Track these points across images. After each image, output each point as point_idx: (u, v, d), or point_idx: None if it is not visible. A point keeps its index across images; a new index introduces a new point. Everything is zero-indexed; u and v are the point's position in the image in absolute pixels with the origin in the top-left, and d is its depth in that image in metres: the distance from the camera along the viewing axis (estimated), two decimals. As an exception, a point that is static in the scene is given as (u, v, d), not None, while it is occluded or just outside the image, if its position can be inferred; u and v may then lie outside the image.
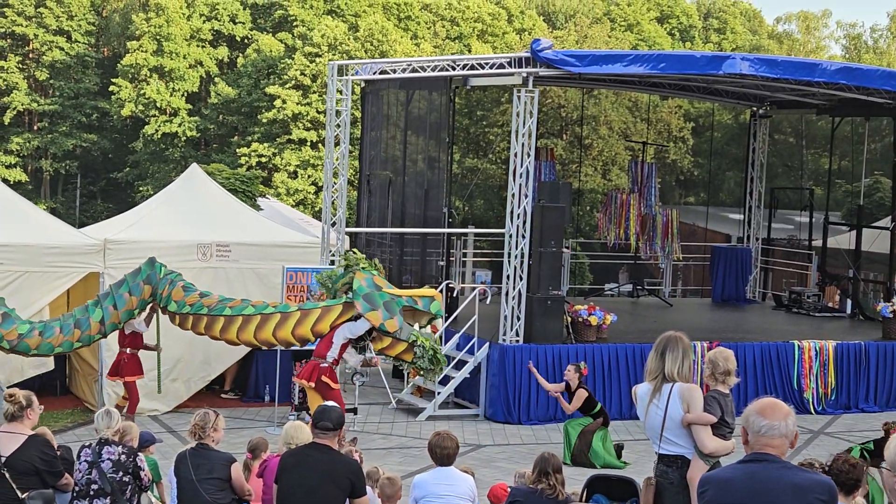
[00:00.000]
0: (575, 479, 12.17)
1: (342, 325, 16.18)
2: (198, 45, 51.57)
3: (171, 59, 49.83)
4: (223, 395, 20.15)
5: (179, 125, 49.39)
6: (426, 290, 17.25)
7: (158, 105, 49.36)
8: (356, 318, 16.12)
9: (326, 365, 15.99)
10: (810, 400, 20.66)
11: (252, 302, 16.70)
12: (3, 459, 10.15)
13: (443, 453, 9.56)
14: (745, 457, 5.78)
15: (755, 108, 28.05)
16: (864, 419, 19.37)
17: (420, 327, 16.84)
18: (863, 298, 25.79)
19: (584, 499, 9.80)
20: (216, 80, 51.39)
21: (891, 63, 60.56)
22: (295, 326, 16.18)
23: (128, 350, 16.96)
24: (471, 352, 19.20)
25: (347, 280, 16.44)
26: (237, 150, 47.18)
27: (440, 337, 19.49)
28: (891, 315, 22.51)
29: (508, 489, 10.15)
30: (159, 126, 49.12)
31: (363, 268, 16.50)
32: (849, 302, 25.99)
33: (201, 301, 16.47)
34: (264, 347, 17.41)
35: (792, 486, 5.55)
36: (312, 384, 15.93)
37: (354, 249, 17.53)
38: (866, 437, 18.08)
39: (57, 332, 15.97)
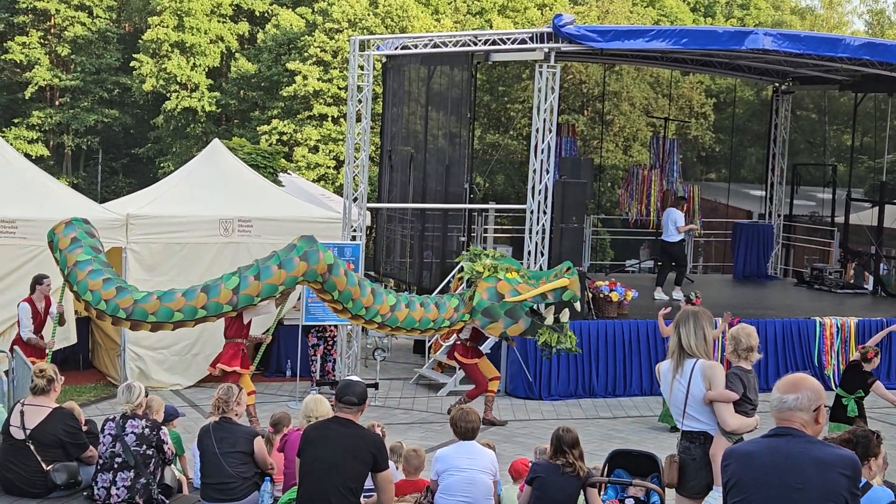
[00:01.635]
0: (595, 455, 12.21)
1: None
2: (218, 21, 51.55)
3: (192, 34, 49.82)
4: (245, 370, 20.22)
5: (199, 100, 49.42)
6: (558, 282, 16.34)
7: (179, 80, 49.40)
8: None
9: (459, 343, 17.12)
10: (831, 377, 20.60)
11: (417, 315, 15.94)
12: (29, 432, 10.25)
13: (466, 427, 9.63)
14: (769, 431, 5.81)
15: (777, 84, 27.92)
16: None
17: (559, 319, 16.43)
18: (885, 275, 25.71)
19: (605, 473, 9.84)
20: (236, 55, 51.40)
21: (915, 38, 60.11)
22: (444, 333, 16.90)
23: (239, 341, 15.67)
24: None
25: (472, 292, 16.27)
26: (258, 128, 47.18)
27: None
28: (913, 292, 22.45)
29: (529, 464, 10.19)
30: (180, 101, 49.17)
31: (487, 276, 16.22)
32: (871, 278, 25.91)
33: (377, 308, 15.57)
34: None
35: (815, 460, 5.57)
36: (453, 362, 17.69)
37: (483, 251, 16.76)
38: (887, 414, 18.12)
39: (178, 297, 14.36)
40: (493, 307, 16.01)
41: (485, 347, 18.78)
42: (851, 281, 25.99)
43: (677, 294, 21.90)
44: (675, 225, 22.58)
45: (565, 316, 16.43)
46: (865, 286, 25.72)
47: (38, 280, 15.63)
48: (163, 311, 14.29)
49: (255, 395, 15.70)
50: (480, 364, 17.16)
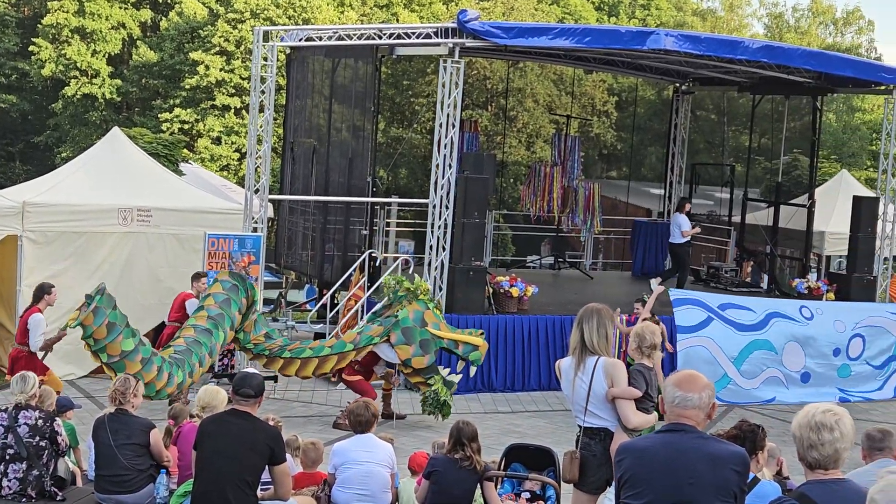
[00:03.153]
0: (493, 449, 12.29)
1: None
2: (120, 7, 50.81)
3: (93, 20, 49.03)
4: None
5: (100, 87, 48.68)
6: (473, 339, 16.96)
7: (79, 66, 48.60)
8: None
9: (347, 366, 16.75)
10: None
11: (310, 345, 16.67)
12: (-83, 423, 10.04)
13: (356, 420, 9.66)
14: (663, 427, 5.92)
15: (678, 85, 28.30)
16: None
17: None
18: (779, 274, 26.19)
19: (502, 467, 9.91)
20: (138, 42, 50.71)
21: (811, 43, 61.28)
22: (350, 360, 16.52)
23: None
24: (392, 321, 19.21)
25: (399, 305, 16.66)
26: (159, 117, 46.60)
27: (363, 306, 19.54)
28: (806, 291, 22.91)
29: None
30: (80, 88, 48.39)
31: (420, 299, 16.67)
32: (766, 277, 26.39)
33: (264, 345, 16.29)
34: None
35: (708, 455, 5.69)
36: (335, 380, 17.64)
37: (423, 281, 17.38)
38: (781, 411, 18.50)
39: (165, 377, 14.86)
40: (414, 330, 16.40)
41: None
42: (748, 280, 26.44)
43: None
44: (679, 229, 23.34)
45: (456, 379, 16.99)
46: (761, 285, 26.18)
47: (47, 290, 14.89)
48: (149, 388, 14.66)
49: None
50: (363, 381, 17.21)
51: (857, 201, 23.43)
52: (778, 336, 17.10)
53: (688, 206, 24.04)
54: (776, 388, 16.93)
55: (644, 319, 15.43)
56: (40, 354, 14.85)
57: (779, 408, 18.97)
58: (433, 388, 16.49)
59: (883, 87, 23.73)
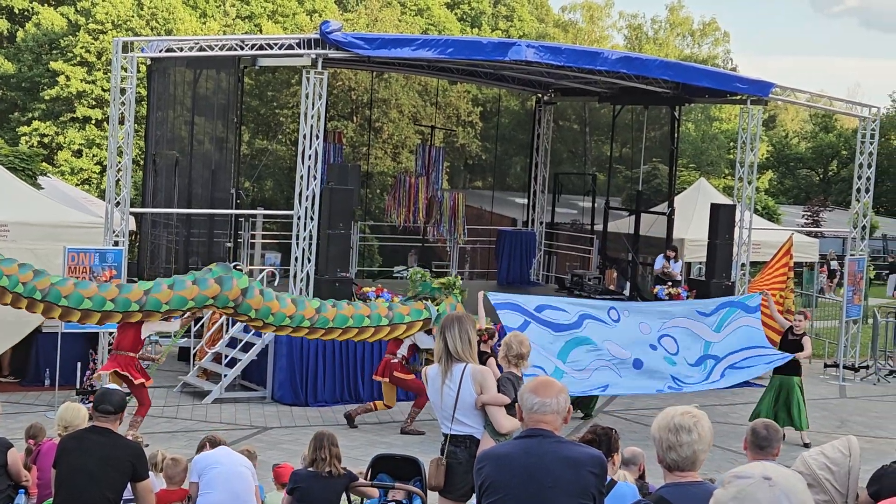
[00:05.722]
0: (360, 460, 12.29)
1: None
2: (-25, 17, 49.71)
3: (-54, 30, 47.95)
4: (1, 379, 19.59)
5: (-46, 99, 47.54)
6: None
7: (-68, 78, 47.39)
8: (427, 331, 17.44)
9: (396, 360, 17.61)
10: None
11: (348, 311, 16.99)
12: None
13: (216, 442, 9.74)
14: (521, 433, 5.97)
15: (540, 95, 28.64)
16: (641, 398, 19.96)
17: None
18: (641, 281, 26.65)
19: (368, 477, 9.91)
20: (-6, 54, 49.61)
21: (669, 54, 62.61)
22: (384, 336, 17.43)
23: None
24: (258, 334, 19.09)
25: (436, 297, 17.78)
26: (17, 130, 45.56)
27: (228, 320, 19.39)
28: (666, 297, 23.37)
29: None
30: (-68, 100, 47.19)
31: (454, 293, 17.80)
32: (627, 284, 26.83)
33: (302, 314, 16.48)
34: None
35: (566, 459, 5.75)
36: (387, 379, 17.69)
37: (456, 278, 18.74)
38: (643, 416, 18.83)
39: (92, 287, 15.33)
40: None
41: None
42: (612, 287, 26.84)
43: None
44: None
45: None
46: (624, 292, 26.60)
47: None
48: (75, 297, 15.01)
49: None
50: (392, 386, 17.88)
51: (715, 209, 23.94)
52: (594, 333, 17.23)
53: (669, 252, 24.82)
54: (608, 376, 16.98)
55: (480, 329, 15.53)
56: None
57: (640, 412, 19.33)
58: None
59: (738, 97, 24.33)
